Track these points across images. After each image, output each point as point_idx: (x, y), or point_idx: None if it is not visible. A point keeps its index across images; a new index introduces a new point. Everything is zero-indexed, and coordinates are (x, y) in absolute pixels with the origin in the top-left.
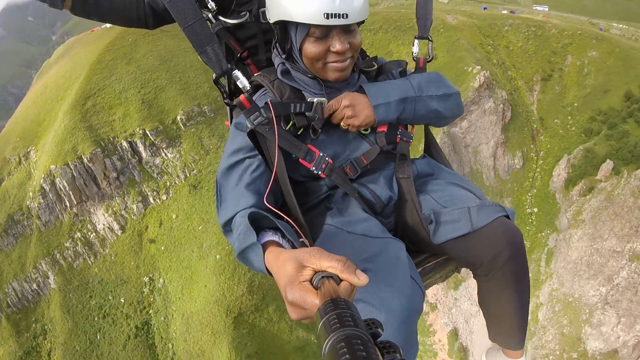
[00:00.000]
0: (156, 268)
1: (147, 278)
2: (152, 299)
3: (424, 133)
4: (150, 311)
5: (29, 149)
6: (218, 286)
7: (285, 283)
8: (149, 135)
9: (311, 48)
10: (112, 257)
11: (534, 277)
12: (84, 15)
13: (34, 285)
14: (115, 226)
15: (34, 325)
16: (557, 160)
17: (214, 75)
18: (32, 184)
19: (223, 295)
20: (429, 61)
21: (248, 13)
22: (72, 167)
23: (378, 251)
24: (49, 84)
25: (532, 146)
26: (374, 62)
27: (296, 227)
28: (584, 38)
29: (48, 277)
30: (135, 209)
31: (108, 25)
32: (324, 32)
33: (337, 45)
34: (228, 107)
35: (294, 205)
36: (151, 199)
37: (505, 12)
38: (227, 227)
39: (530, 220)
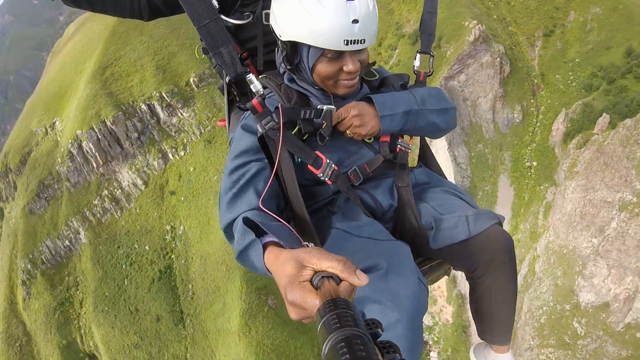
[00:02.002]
0: (177, 217)
1: (169, 226)
2: (173, 245)
3: (420, 143)
4: (172, 256)
5: (54, 120)
6: None
7: (286, 283)
8: (165, 97)
9: (324, 68)
10: (137, 210)
11: (532, 230)
12: (74, 4)
13: (66, 242)
14: (139, 182)
15: (66, 278)
16: (557, 115)
17: (227, 79)
18: (60, 150)
19: None
20: (429, 75)
21: (252, 14)
22: (96, 130)
23: (386, 253)
24: (66, 60)
25: (532, 101)
26: (373, 70)
27: (293, 230)
28: None
29: (79, 233)
30: (156, 165)
31: None
32: (338, 53)
33: (350, 65)
34: (227, 108)
35: (302, 209)
36: (170, 155)
37: None
38: (228, 230)
39: (529, 173)
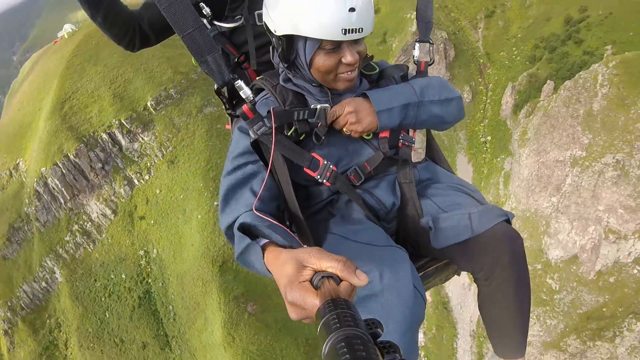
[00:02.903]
0: (149, 241)
1: (143, 251)
2: (149, 269)
3: (425, 137)
4: (149, 280)
5: (17, 162)
6: (202, 242)
7: (285, 283)
8: (125, 124)
9: (323, 61)
10: (109, 240)
11: (495, 201)
12: (92, 9)
13: (43, 284)
14: (108, 212)
15: (48, 321)
16: (505, 89)
17: (215, 86)
18: (26, 190)
19: (207, 248)
20: (430, 64)
21: (242, 16)
22: (60, 165)
23: (382, 260)
24: (23, 99)
25: (480, 80)
26: (373, 64)
27: (289, 232)
28: None
29: (54, 273)
30: (123, 193)
31: (65, 35)
32: (336, 45)
33: (348, 57)
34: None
35: (297, 211)
36: (136, 181)
37: None
38: (229, 231)
39: (485, 148)
